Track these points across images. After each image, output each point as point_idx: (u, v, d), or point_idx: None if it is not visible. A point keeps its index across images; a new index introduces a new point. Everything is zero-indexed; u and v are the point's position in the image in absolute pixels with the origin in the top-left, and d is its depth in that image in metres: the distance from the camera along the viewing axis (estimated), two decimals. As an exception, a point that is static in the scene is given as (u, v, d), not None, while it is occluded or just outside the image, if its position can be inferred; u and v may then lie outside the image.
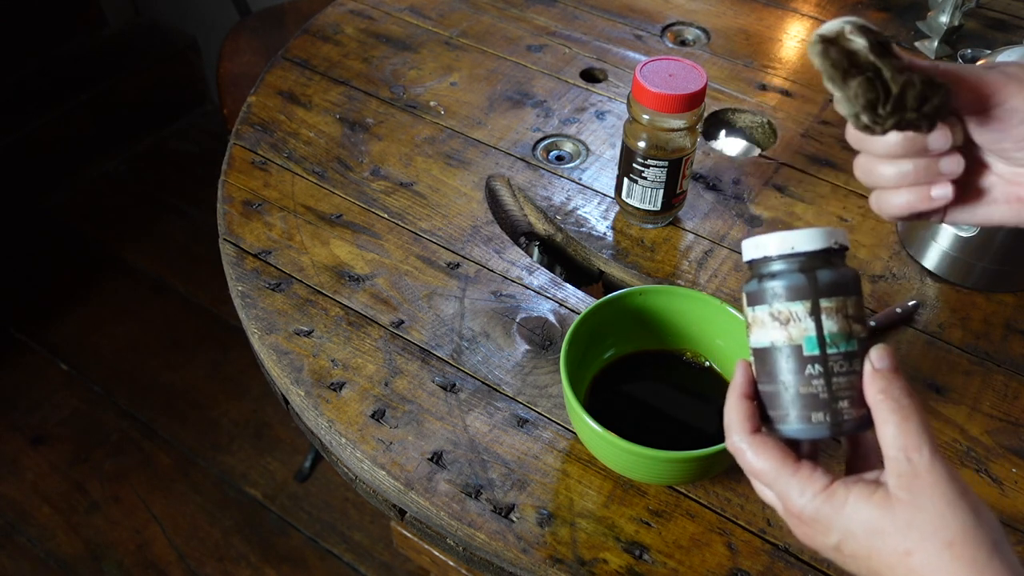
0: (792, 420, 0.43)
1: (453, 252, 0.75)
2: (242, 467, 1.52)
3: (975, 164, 0.47)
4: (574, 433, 0.61)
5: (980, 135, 0.45)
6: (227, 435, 1.56)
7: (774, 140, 0.87)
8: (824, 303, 0.42)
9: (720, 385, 0.62)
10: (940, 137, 0.44)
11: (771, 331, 0.43)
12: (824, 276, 0.43)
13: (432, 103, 0.89)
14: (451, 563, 0.90)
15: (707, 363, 0.63)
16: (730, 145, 0.90)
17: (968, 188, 0.47)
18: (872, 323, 0.69)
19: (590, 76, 0.94)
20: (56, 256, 1.86)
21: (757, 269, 0.45)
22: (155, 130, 2.14)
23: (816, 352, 0.42)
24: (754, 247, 0.44)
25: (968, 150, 0.46)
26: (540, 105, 0.90)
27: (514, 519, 0.58)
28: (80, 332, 1.71)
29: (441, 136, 0.86)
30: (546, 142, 0.86)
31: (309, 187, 0.80)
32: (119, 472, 1.50)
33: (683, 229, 0.78)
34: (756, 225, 0.78)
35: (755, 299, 0.44)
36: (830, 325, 0.42)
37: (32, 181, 1.98)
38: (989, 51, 0.72)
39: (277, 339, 0.68)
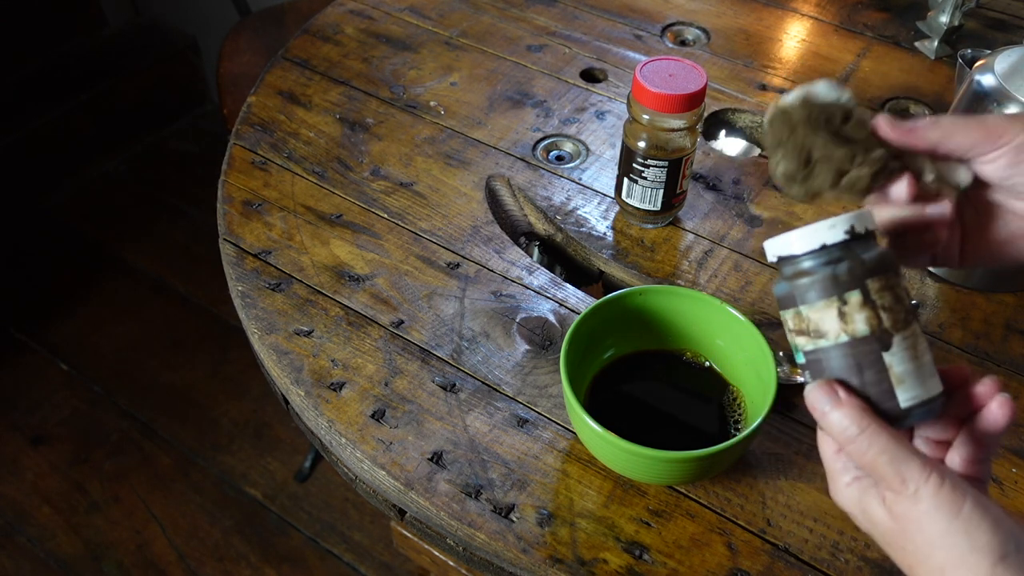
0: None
1: (453, 252, 0.75)
2: (242, 467, 1.52)
3: (992, 209, 0.47)
4: (574, 433, 0.61)
5: (993, 173, 0.45)
6: (227, 435, 1.56)
7: (774, 140, 0.87)
8: (785, 314, 0.44)
9: (720, 385, 0.62)
10: (898, 191, 0.45)
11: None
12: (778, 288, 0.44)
13: (432, 103, 0.89)
14: (451, 563, 0.90)
15: (707, 363, 0.63)
16: (730, 145, 0.90)
17: (989, 233, 0.48)
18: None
19: (590, 76, 0.94)
20: (56, 256, 1.86)
21: (792, 266, 0.44)
22: (155, 130, 2.14)
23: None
24: (782, 244, 0.43)
25: (982, 197, 0.47)
26: (540, 105, 0.90)
27: (514, 519, 0.58)
28: (80, 332, 1.71)
29: (441, 136, 0.86)
30: (546, 142, 0.86)
31: (309, 187, 0.80)
32: (119, 472, 1.50)
33: (683, 229, 0.78)
34: (756, 225, 0.78)
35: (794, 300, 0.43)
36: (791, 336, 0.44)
37: (32, 181, 1.98)
38: (989, 51, 0.72)
39: (277, 339, 0.68)
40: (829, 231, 0.41)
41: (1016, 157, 0.44)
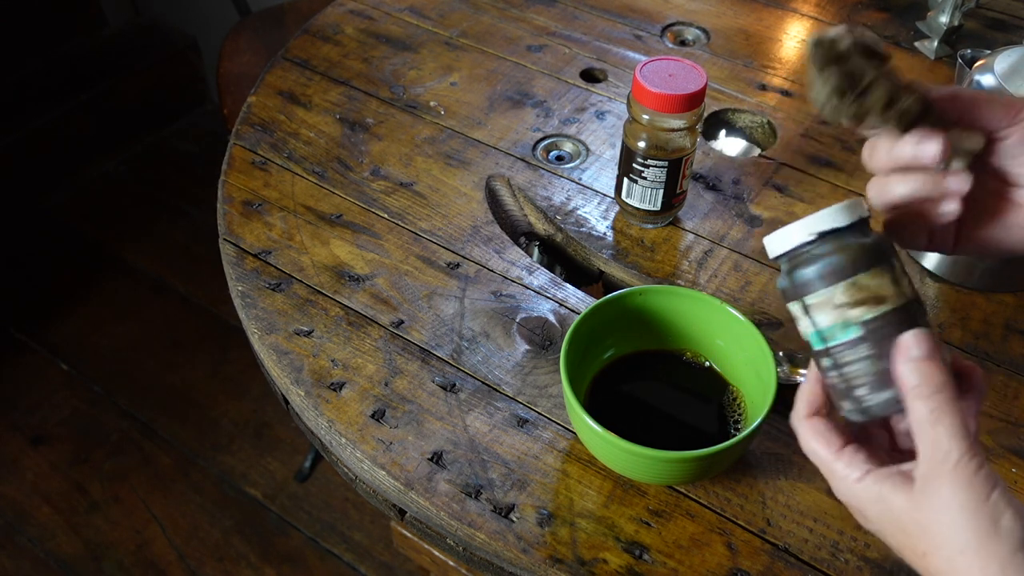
0: (839, 408, 0.46)
1: (453, 252, 0.75)
2: (242, 467, 1.52)
3: (991, 195, 0.47)
4: (574, 433, 0.61)
5: (1003, 150, 0.46)
6: (227, 435, 1.56)
7: (774, 140, 0.87)
8: (808, 300, 0.44)
9: (720, 385, 0.62)
10: (929, 148, 0.44)
11: (800, 327, 0.46)
12: (805, 274, 0.44)
13: (432, 103, 0.89)
14: (451, 563, 0.90)
15: (707, 363, 0.63)
16: (730, 145, 0.90)
17: (986, 220, 0.48)
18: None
19: (590, 76, 0.94)
20: (56, 256, 1.86)
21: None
22: (155, 130, 2.14)
23: (821, 347, 0.44)
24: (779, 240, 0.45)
25: (1000, 180, 0.47)
26: (540, 105, 0.90)
27: (514, 519, 0.58)
28: (80, 332, 1.71)
29: (441, 136, 0.86)
30: (546, 142, 0.86)
31: (309, 187, 0.81)
32: (119, 472, 1.50)
33: (683, 229, 0.78)
34: (756, 225, 0.78)
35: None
36: (821, 320, 0.44)
37: (32, 181, 1.98)
38: (989, 51, 0.72)
39: (277, 339, 0.68)
40: (858, 207, 0.44)
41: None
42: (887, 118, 0.44)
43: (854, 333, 0.43)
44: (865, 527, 0.45)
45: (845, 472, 0.43)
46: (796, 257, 0.45)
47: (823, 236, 0.44)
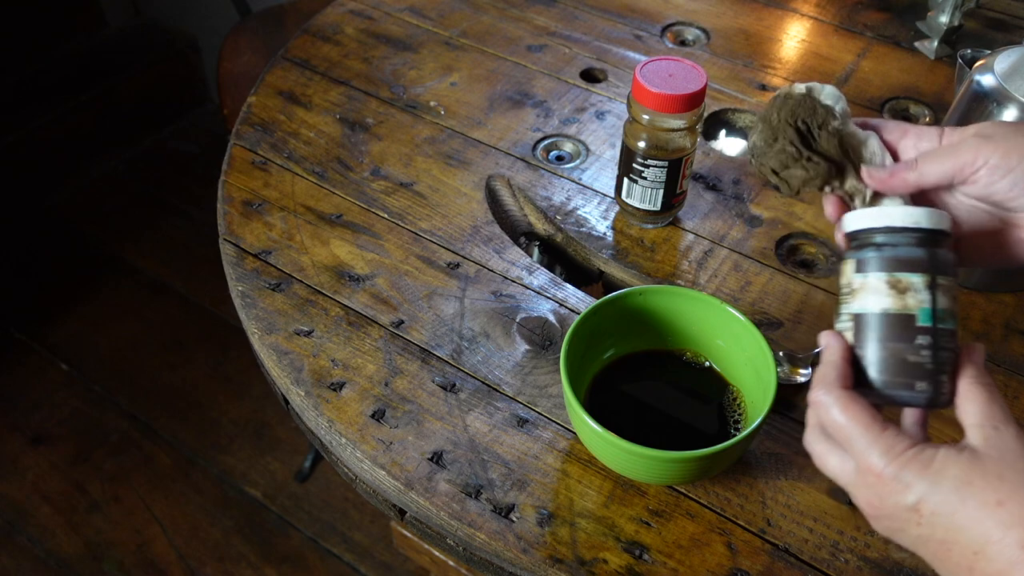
0: (895, 385, 0.45)
1: (453, 252, 0.75)
2: (242, 467, 1.52)
3: (983, 220, 0.50)
4: (574, 433, 0.61)
5: (975, 193, 0.47)
6: (227, 435, 1.56)
7: (774, 140, 0.87)
8: (940, 280, 0.45)
9: (720, 385, 0.62)
10: (828, 209, 0.51)
11: (884, 298, 0.45)
12: (942, 255, 0.45)
13: (432, 103, 0.89)
14: (451, 563, 0.90)
15: (707, 363, 0.63)
16: (730, 145, 0.90)
17: (981, 240, 0.50)
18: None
19: (590, 76, 0.94)
20: (56, 256, 1.86)
21: (872, 238, 0.47)
22: (155, 130, 2.14)
23: (929, 324, 0.44)
24: (873, 216, 0.47)
25: (988, 209, 0.49)
26: (540, 105, 0.90)
27: (514, 519, 0.58)
28: (80, 332, 1.71)
29: (441, 136, 0.86)
30: (546, 142, 0.86)
31: (309, 187, 0.81)
32: (119, 472, 1.50)
33: (683, 229, 0.78)
34: (756, 225, 0.78)
35: (869, 266, 0.46)
36: (943, 301, 0.45)
37: (32, 181, 1.98)
38: (989, 51, 0.72)
39: (277, 339, 0.68)
40: (926, 217, 0.46)
41: (990, 178, 0.46)
42: (780, 180, 0.51)
43: (955, 325, 0.45)
44: (877, 512, 0.43)
45: (892, 441, 0.42)
46: (943, 240, 0.46)
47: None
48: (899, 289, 0.45)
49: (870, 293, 0.46)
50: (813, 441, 0.47)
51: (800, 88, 0.50)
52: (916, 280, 0.45)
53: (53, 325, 1.72)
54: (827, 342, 0.47)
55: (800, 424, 0.63)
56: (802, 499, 0.59)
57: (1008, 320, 0.71)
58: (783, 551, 0.56)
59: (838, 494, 0.59)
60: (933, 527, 0.41)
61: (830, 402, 0.44)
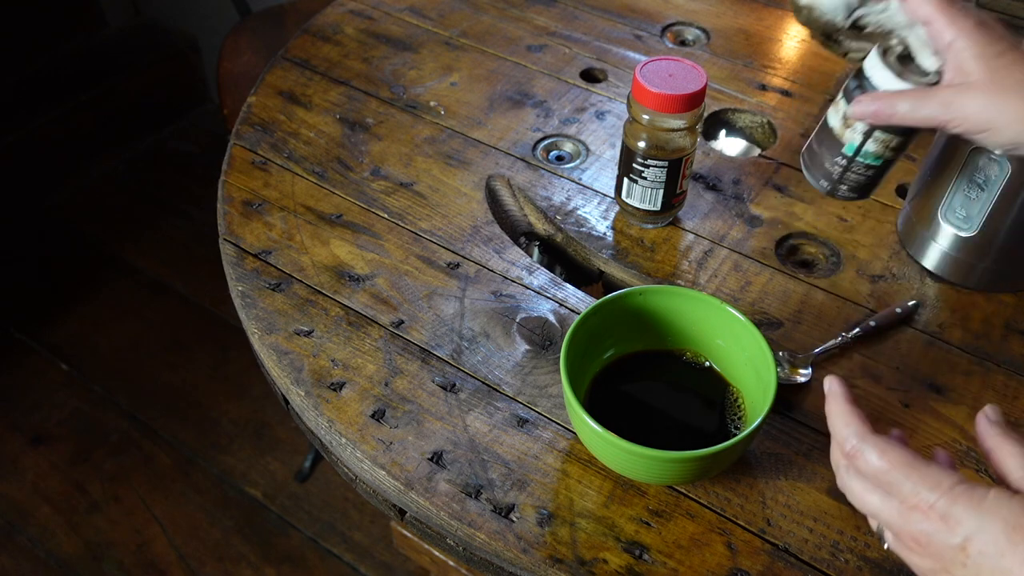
0: (811, 164, 0.66)
1: (453, 252, 0.75)
2: (242, 467, 1.52)
3: None
4: (574, 433, 0.61)
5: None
6: (227, 435, 1.56)
7: (774, 140, 0.87)
8: (879, 134, 0.61)
9: (720, 385, 0.62)
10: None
11: (838, 123, 0.62)
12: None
13: (432, 103, 0.90)
14: (451, 563, 0.90)
15: (707, 363, 0.63)
16: (730, 145, 0.90)
17: None
18: (872, 323, 0.69)
19: (590, 76, 0.94)
20: (56, 256, 1.86)
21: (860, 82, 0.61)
22: (155, 130, 2.14)
23: (850, 155, 0.63)
24: (864, 66, 0.61)
25: None
26: (540, 105, 0.90)
27: (514, 519, 0.58)
28: (80, 332, 1.72)
29: (441, 136, 0.86)
30: (546, 142, 0.86)
31: (309, 187, 0.81)
32: (119, 472, 1.50)
33: (683, 229, 0.78)
34: (756, 225, 0.78)
35: (850, 97, 0.61)
36: (872, 147, 0.62)
37: (32, 181, 1.98)
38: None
39: (277, 339, 0.68)
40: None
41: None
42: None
43: (880, 163, 0.64)
44: (925, 549, 0.42)
45: (939, 476, 0.41)
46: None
47: None
48: (847, 124, 0.62)
49: (837, 114, 0.62)
50: (849, 479, 0.46)
51: None
52: (858, 125, 0.61)
53: (53, 325, 1.72)
54: (830, 387, 0.47)
55: (800, 424, 0.63)
56: (802, 499, 0.59)
57: (1008, 320, 0.71)
58: (783, 551, 0.56)
59: (838, 494, 0.59)
60: (980, 568, 0.40)
61: (866, 449, 0.44)
